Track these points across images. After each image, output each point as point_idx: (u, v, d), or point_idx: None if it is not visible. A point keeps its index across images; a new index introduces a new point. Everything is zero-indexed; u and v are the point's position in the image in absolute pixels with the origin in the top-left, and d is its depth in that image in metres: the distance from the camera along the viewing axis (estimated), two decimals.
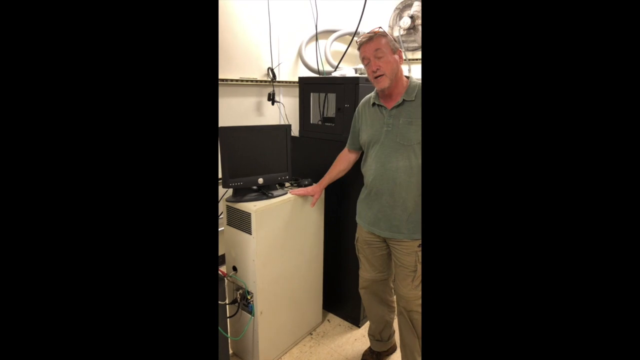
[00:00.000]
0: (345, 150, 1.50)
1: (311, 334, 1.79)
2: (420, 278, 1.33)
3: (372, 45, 1.19)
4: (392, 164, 1.25)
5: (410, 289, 1.34)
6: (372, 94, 1.34)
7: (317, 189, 1.54)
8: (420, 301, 1.36)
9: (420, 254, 1.30)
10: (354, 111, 1.47)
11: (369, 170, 1.33)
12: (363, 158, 1.39)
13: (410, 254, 1.31)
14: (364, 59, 1.23)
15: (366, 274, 1.50)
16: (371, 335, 1.61)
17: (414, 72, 2.52)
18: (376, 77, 1.22)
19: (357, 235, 1.50)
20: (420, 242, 1.29)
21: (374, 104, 1.31)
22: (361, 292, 1.54)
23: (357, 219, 1.46)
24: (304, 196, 1.55)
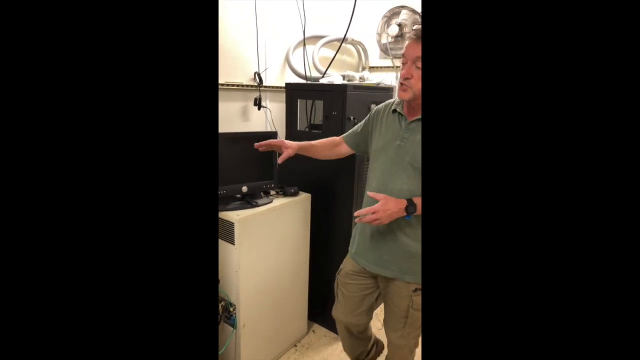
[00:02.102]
0: (341, 139, 1.30)
1: (296, 346, 1.75)
2: (413, 326, 1.12)
3: (418, 48, 0.94)
4: (395, 185, 1.05)
5: (400, 335, 1.15)
6: (397, 98, 1.12)
7: (292, 144, 1.27)
8: (408, 349, 1.18)
9: (415, 299, 1.08)
10: (341, 119, 1.44)
11: (368, 188, 1.14)
12: (369, 169, 1.20)
13: (403, 297, 1.10)
14: (402, 56, 1.00)
15: (341, 315, 1.27)
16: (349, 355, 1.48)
17: None
18: (401, 84, 1.01)
19: (341, 266, 1.27)
20: (416, 286, 1.08)
21: (394, 110, 1.12)
22: (337, 327, 1.35)
23: (350, 246, 1.26)
24: (289, 204, 1.51)
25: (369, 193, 1.07)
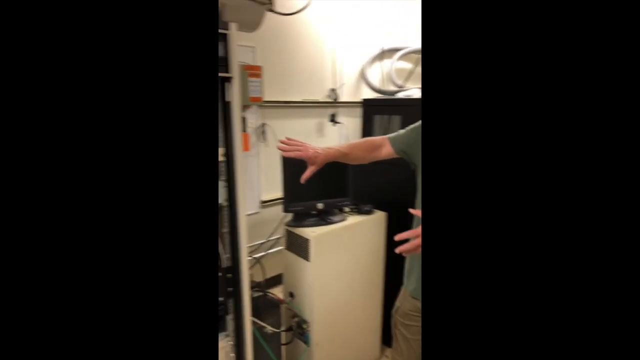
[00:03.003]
0: (383, 140, 1.08)
1: None
2: None
3: None
4: None
5: None
6: None
7: (319, 158, 1.00)
8: None
9: None
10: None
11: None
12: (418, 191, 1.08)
13: None
14: None
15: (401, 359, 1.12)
16: None
17: None
18: None
19: (397, 304, 1.13)
20: None
21: None
22: None
23: (404, 279, 1.12)
24: (359, 220, 1.47)
25: (412, 210, 0.89)
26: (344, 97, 2.09)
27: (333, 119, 1.99)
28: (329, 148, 1.03)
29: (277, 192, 1.63)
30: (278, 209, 1.73)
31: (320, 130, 2.04)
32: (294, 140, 1.02)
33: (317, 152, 1.00)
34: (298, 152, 1.00)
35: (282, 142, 1.01)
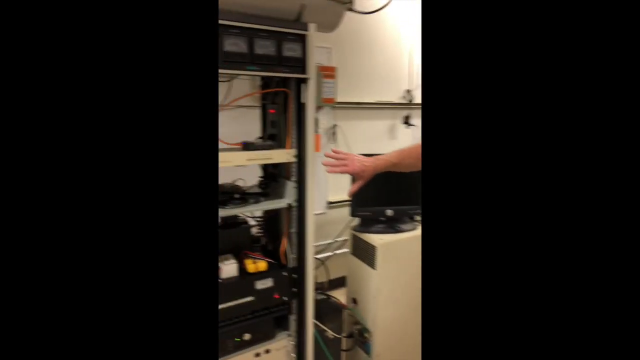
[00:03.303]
0: None
1: None
2: None
3: None
4: None
5: None
6: None
7: (366, 170, 0.93)
8: None
9: None
10: None
11: None
12: None
13: None
14: None
15: None
16: None
17: None
18: None
19: None
20: None
21: None
22: None
23: None
24: None
25: None
26: (419, 98, 1.99)
27: (407, 121, 1.91)
28: (376, 159, 0.96)
29: (344, 194, 1.62)
30: (344, 211, 1.71)
31: (392, 132, 1.97)
32: (341, 152, 0.98)
33: (365, 165, 0.94)
34: (344, 167, 0.94)
35: (328, 156, 0.97)
